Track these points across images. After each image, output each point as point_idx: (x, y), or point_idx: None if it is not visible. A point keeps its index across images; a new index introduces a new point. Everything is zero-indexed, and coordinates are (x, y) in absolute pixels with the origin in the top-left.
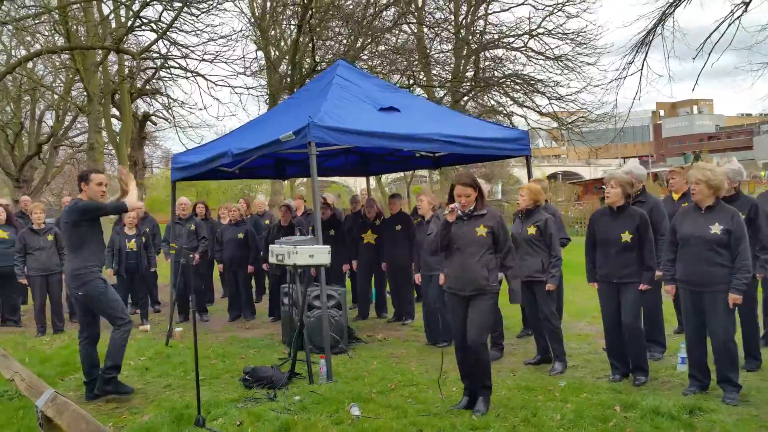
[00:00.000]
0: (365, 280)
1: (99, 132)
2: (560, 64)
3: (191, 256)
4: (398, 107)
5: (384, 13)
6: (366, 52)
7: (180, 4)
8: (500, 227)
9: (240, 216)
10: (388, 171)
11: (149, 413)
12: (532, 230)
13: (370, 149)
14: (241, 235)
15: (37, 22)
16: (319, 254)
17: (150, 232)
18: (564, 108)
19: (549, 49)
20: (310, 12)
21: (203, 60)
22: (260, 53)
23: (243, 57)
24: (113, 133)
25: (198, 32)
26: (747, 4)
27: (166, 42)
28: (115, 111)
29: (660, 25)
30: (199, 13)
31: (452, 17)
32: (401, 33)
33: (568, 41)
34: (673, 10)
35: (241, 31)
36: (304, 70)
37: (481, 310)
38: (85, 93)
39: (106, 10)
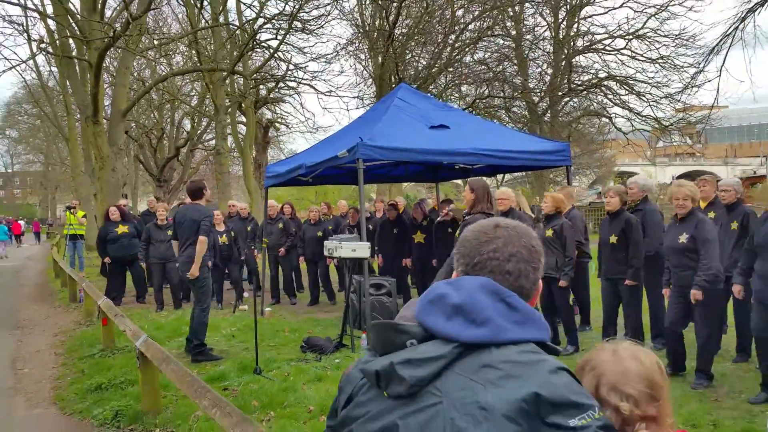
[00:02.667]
0: (416, 273)
1: (225, 139)
2: (661, 65)
3: (279, 250)
4: (449, 125)
5: (471, 26)
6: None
7: (285, 29)
8: None
9: (319, 216)
10: (450, 178)
11: (224, 365)
12: (549, 233)
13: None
14: (319, 234)
15: (172, 40)
16: (361, 249)
17: (252, 229)
18: (665, 107)
19: (650, 50)
20: (392, 39)
21: (302, 81)
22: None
23: (340, 72)
24: (238, 139)
25: (304, 52)
26: None
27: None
28: (242, 118)
29: None
30: (302, 33)
31: (551, 19)
32: (492, 44)
33: (668, 42)
34: None
35: (344, 48)
36: (390, 87)
37: None
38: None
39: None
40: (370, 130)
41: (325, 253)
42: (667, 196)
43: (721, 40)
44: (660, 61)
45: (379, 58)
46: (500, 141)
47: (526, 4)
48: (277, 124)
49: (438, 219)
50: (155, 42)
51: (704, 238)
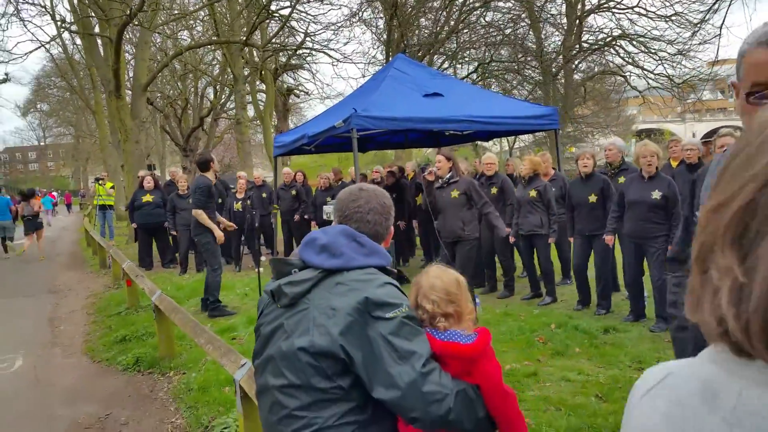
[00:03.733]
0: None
1: (245, 108)
2: (674, 21)
3: (294, 217)
4: (442, 93)
5: None
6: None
7: None
8: (472, 190)
9: (329, 183)
10: (453, 143)
11: (235, 319)
12: (533, 193)
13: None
14: (329, 199)
15: (186, 15)
16: None
17: (267, 196)
18: (678, 65)
19: (663, 8)
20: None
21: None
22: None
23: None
24: (259, 108)
25: (317, 21)
26: None
27: (296, 28)
28: (262, 86)
29: None
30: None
31: None
32: (503, 6)
33: None
34: None
35: (354, 15)
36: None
37: (462, 253)
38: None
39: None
40: (365, 100)
41: (324, 216)
42: (633, 156)
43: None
44: (674, 17)
45: (385, 26)
46: (491, 107)
47: None
48: (296, 92)
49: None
50: (171, 16)
51: (676, 197)
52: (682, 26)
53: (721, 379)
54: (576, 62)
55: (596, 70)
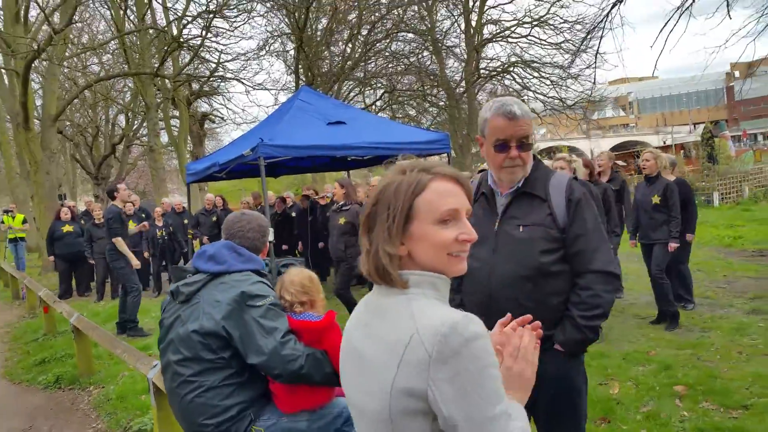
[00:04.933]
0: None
1: (157, 135)
2: (563, 48)
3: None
4: (345, 121)
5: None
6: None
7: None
8: (356, 219)
9: (248, 207)
10: (360, 167)
11: (151, 339)
12: None
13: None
14: None
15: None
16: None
17: (188, 222)
18: (566, 88)
19: (552, 36)
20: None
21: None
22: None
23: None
24: (173, 134)
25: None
26: None
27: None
28: (176, 112)
29: None
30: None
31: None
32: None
33: (567, 27)
34: None
35: (263, 48)
36: (302, 81)
37: (342, 271)
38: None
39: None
40: (272, 129)
41: None
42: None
43: (591, 30)
44: (563, 44)
45: (293, 57)
46: (389, 134)
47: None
48: (211, 117)
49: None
50: (80, 48)
51: None
52: (570, 52)
53: (371, 294)
54: (477, 88)
55: (497, 94)
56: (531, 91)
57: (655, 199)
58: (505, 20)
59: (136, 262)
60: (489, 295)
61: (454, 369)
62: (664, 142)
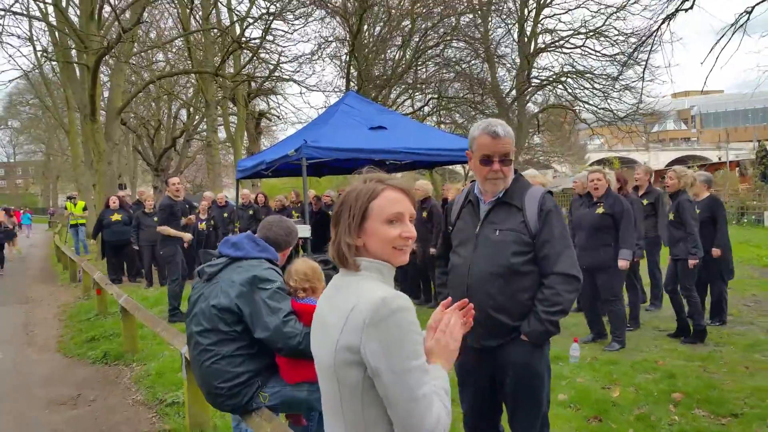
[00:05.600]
0: None
1: (215, 131)
2: (617, 60)
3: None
4: (386, 126)
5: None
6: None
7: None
8: None
9: (282, 205)
10: (402, 170)
11: None
12: (425, 214)
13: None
14: None
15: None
16: (303, 230)
17: (228, 216)
18: (618, 101)
19: (606, 48)
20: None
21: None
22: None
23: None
24: (230, 131)
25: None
26: None
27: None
28: (235, 109)
29: None
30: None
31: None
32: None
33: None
34: None
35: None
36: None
37: None
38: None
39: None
40: (317, 132)
41: None
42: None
43: (640, 45)
44: (617, 56)
45: (345, 61)
46: (427, 140)
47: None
48: (268, 116)
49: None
50: (147, 44)
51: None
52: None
53: (337, 275)
54: (528, 96)
55: (549, 103)
56: (581, 101)
57: (671, 216)
58: (560, 30)
59: (188, 236)
60: (467, 288)
61: (381, 331)
62: (719, 159)
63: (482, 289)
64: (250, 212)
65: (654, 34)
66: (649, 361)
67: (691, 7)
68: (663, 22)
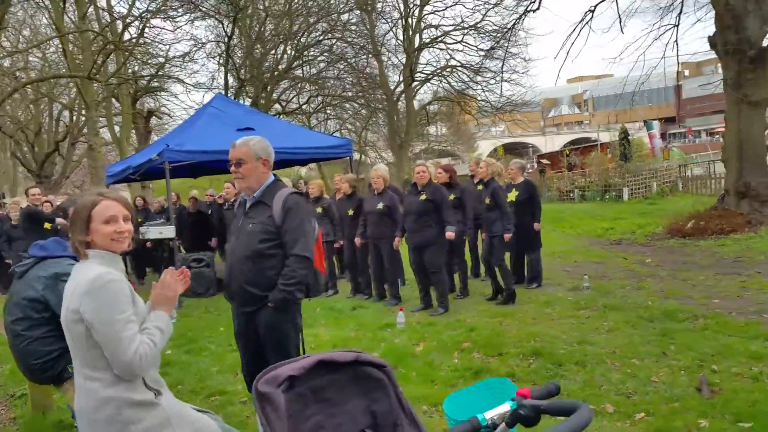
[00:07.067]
0: None
1: (97, 133)
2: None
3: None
4: (254, 127)
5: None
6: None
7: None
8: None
9: (162, 207)
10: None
11: None
12: (318, 210)
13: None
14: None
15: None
16: (167, 231)
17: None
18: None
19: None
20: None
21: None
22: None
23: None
24: (115, 131)
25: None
26: None
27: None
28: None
29: None
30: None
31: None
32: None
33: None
34: None
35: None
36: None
37: None
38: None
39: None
40: (183, 135)
41: (141, 236)
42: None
43: (494, 45)
44: (491, 51)
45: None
46: (295, 140)
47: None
48: (159, 114)
49: None
50: (13, 49)
51: None
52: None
53: (78, 263)
54: (415, 89)
55: (436, 95)
56: (463, 94)
57: (487, 201)
58: (444, 25)
59: None
60: (231, 267)
61: (93, 297)
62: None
63: (238, 268)
64: (138, 219)
65: (509, 32)
66: (460, 321)
67: (538, 8)
68: (515, 23)
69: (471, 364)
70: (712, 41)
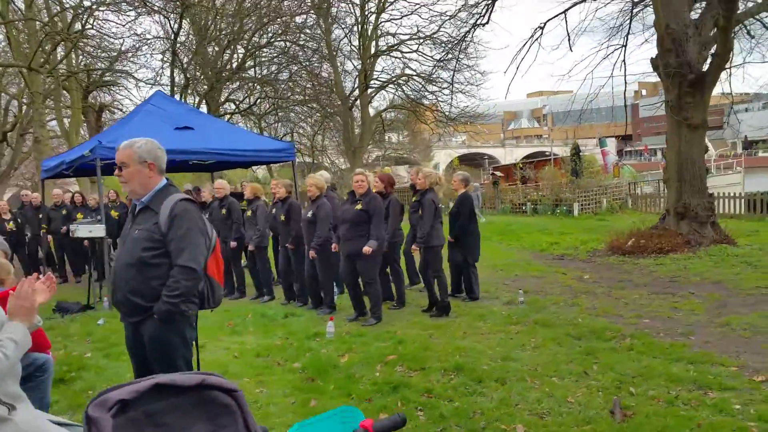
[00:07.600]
0: None
1: (44, 126)
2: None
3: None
4: (193, 126)
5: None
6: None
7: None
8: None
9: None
10: (223, 168)
11: None
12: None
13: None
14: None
15: None
16: (97, 229)
17: (42, 216)
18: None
19: (438, 52)
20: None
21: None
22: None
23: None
24: (63, 124)
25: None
26: None
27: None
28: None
29: None
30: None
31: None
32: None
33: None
34: None
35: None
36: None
37: None
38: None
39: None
40: (116, 132)
41: (71, 234)
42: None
43: (443, 57)
44: (444, 60)
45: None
46: (235, 142)
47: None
48: (111, 108)
49: None
50: None
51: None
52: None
53: None
54: (371, 96)
55: (392, 103)
56: (418, 103)
57: (420, 212)
58: (400, 33)
59: None
60: (115, 275)
61: None
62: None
63: (122, 276)
64: (63, 212)
65: (460, 43)
66: (390, 332)
67: (487, 22)
68: (464, 36)
69: (392, 378)
70: (654, 63)
